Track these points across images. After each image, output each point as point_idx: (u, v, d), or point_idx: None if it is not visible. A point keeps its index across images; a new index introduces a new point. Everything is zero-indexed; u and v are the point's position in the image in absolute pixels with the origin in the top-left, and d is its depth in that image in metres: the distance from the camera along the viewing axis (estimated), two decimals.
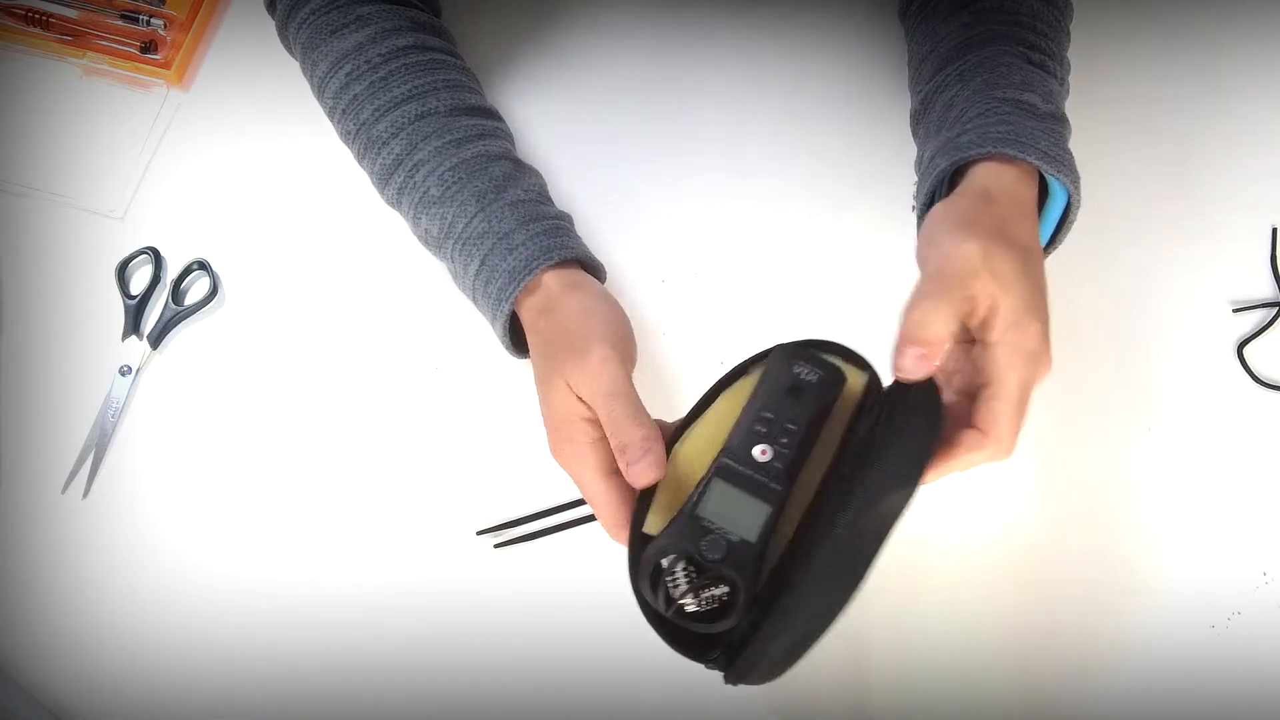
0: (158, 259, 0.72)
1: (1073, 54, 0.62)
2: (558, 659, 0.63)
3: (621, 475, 0.52)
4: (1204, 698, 0.61)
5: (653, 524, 0.49)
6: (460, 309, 0.65)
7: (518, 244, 0.57)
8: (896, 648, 0.62)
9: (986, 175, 0.53)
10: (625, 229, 0.70)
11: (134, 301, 0.70)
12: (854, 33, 0.74)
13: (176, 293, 0.71)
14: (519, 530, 0.65)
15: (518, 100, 0.74)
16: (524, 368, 0.59)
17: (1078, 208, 0.55)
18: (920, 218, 0.58)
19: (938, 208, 0.52)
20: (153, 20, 0.76)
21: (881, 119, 0.71)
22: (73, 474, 0.68)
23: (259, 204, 0.73)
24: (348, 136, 0.63)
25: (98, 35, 0.77)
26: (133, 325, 0.70)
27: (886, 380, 0.50)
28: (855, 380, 0.50)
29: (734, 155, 0.72)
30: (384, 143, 0.61)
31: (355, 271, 0.71)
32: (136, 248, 0.72)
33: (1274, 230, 0.69)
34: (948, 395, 0.51)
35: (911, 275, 0.50)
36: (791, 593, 0.45)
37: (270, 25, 0.66)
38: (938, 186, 0.56)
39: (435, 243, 0.61)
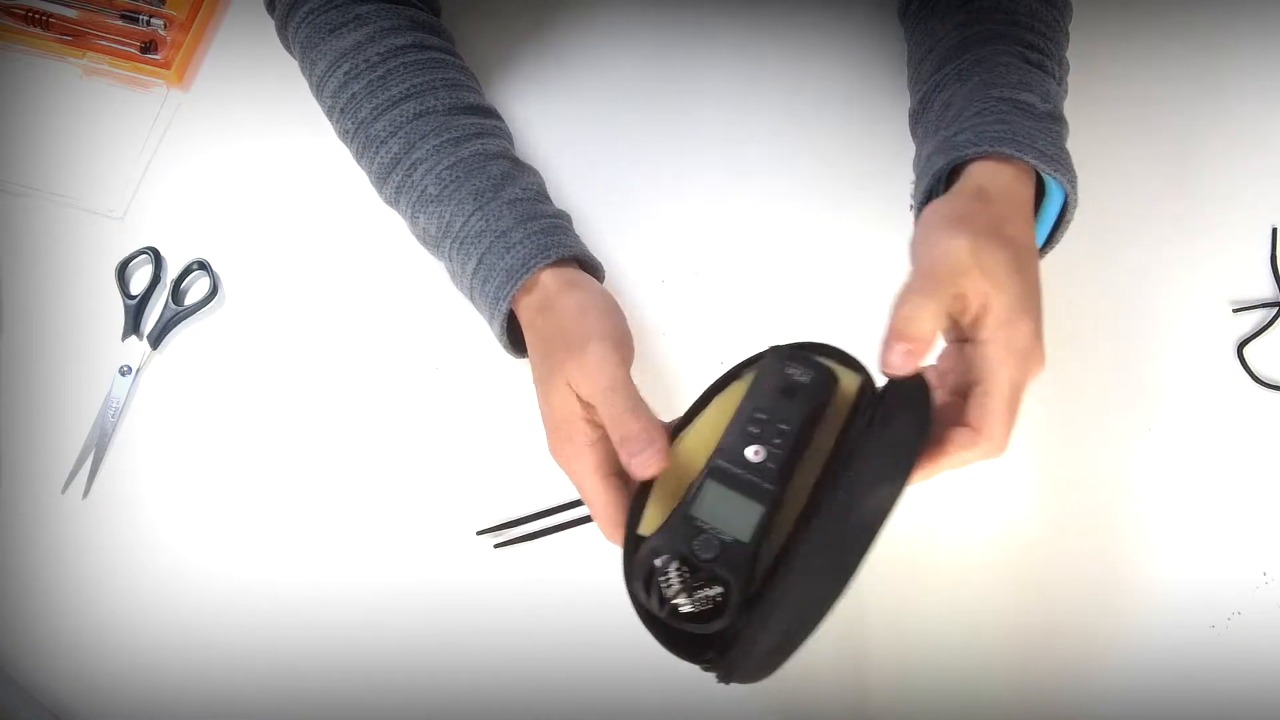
0: (158, 259, 0.72)
1: (1072, 54, 0.62)
2: (558, 659, 0.63)
3: (619, 477, 0.52)
4: (1204, 698, 0.61)
5: (647, 525, 0.50)
6: (460, 309, 0.65)
7: (515, 242, 0.57)
8: (896, 648, 0.62)
9: (983, 174, 0.53)
10: (625, 229, 0.70)
11: (134, 301, 0.70)
12: (854, 33, 0.74)
13: (176, 293, 0.71)
14: (519, 530, 0.65)
15: (518, 100, 0.74)
16: (524, 367, 0.59)
17: (1075, 207, 0.55)
18: (917, 217, 0.58)
19: (932, 205, 0.52)
20: (153, 20, 0.76)
21: (881, 119, 0.71)
22: (73, 474, 0.68)
23: (259, 204, 0.73)
24: (346, 135, 0.63)
25: (98, 35, 0.77)
26: (133, 325, 0.70)
27: (881, 382, 0.50)
28: (849, 382, 0.50)
29: (734, 155, 0.72)
30: (382, 141, 0.61)
31: (355, 271, 0.71)
32: (136, 248, 0.72)
33: (1274, 230, 0.69)
34: (942, 395, 0.51)
35: None
36: (776, 588, 0.45)
37: (270, 25, 0.66)
38: (934, 185, 0.56)
39: (433, 242, 0.61)
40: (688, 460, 0.50)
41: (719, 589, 0.46)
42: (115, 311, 0.71)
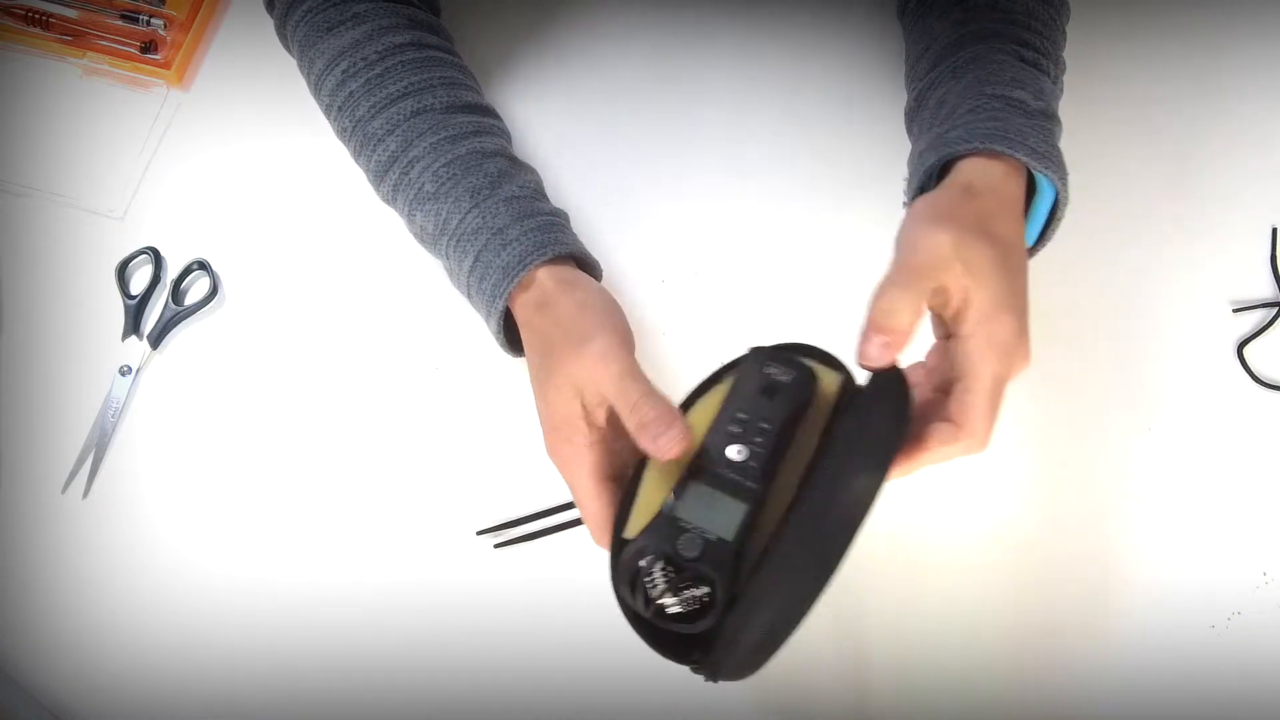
0: (158, 259, 0.72)
1: (1071, 54, 0.62)
2: (557, 659, 0.63)
3: (613, 481, 0.52)
4: (1204, 698, 0.61)
5: (633, 528, 0.50)
6: (459, 308, 0.65)
7: (511, 239, 0.57)
8: (896, 648, 0.62)
9: (972, 170, 0.53)
10: (625, 229, 0.70)
11: (134, 301, 0.70)
12: (854, 33, 0.74)
13: (176, 293, 0.71)
14: (519, 530, 0.65)
15: (518, 100, 0.74)
16: (524, 367, 0.59)
17: (1065, 205, 0.55)
18: None
19: (919, 200, 0.52)
20: (153, 20, 0.76)
21: (881, 119, 0.71)
22: (73, 474, 0.68)
23: (259, 204, 0.73)
24: (344, 133, 0.63)
25: (98, 35, 0.77)
26: (133, 325, 0.70)
27: (863, 381, 0.50)
28: (830, 381, 0.51)
29: (734, 155, 0.72)
30: (379, 139, 0.61)
31: (355, 271, 0.71)
32: (136, 248, 0.72)
33: (1274, 230, 0.69)
34: (928, 391, 0.51)
35: None
36: (758, 584, 0.45)
37: (270, 25, 0.66)
38: (926, 182, 0.56)
39: (430, 240, 0.61)
40: (671, 463, 0.50)
41: (705, 589, 0.46)
42: (115, 311, 0.71)
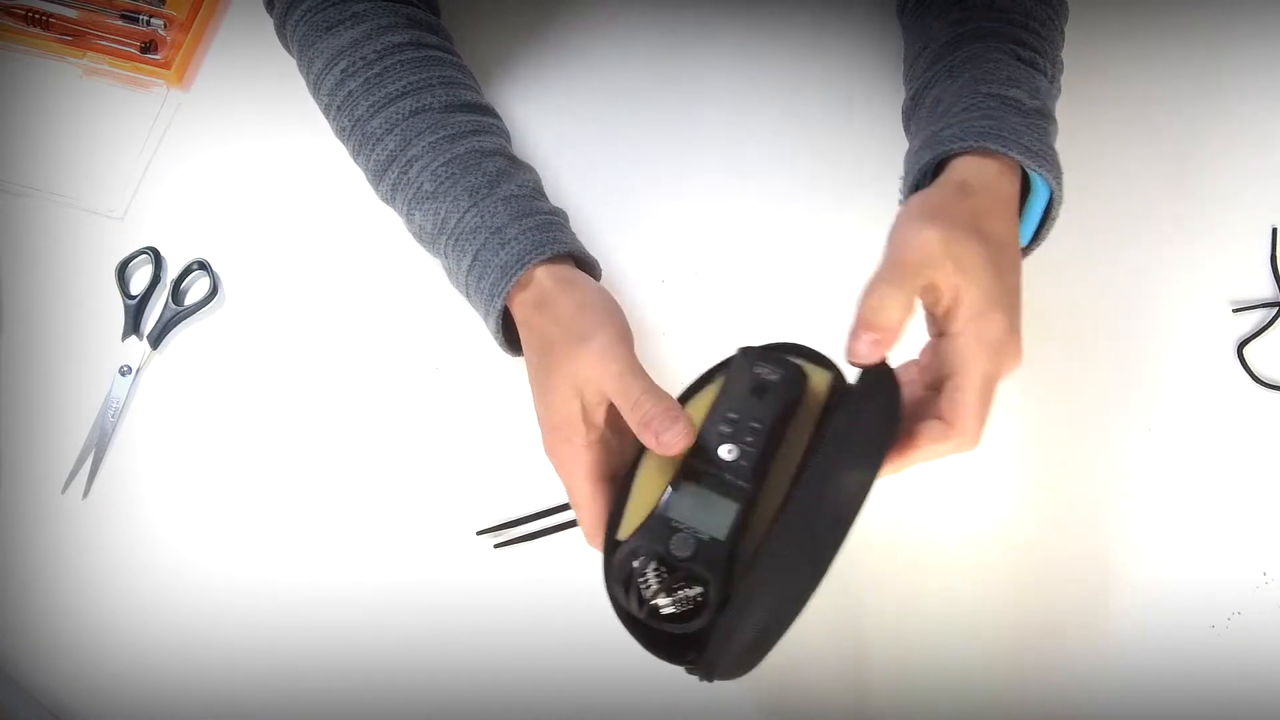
0: (158, 259, 0.72)
1: (1071, 54, 0.62)
2: (557, 659, 0.63)
3: (609, 483, 0.52)
4: (1204, 698, 0.61)
5: (626, 529, 0.50)
6: (459, 308, 0.65)
7: (510, 238, 0.57)
8: (896, 648, 0.62)
9: (966, 168, 0.53)
10: (625, 229, 0.70)
11: (134, 301, 0.70)
12: (854, 33, 0.74)
13: (176, 293, 0.71)
14: (519, 530, 0.65)
15: (518, 100, 0.74)
16: (524, 367, 0.59)
17: (1060, 203, 0.55)
18: None
19: (912, 198, 0.52)
20: (153, 20, 0.76)
21: (881, 119, 0.71)
22: (73, 474, 0.68)
23: (259, 204, 0.73)
24: (342, 133, 0.63)
25: (98, 35, 0.77)
26: (133, 325, 0.70)
27: (853, 379, 0.50)
28: (819, 380, 0.51)
29: (734, 155, 0.72)
30: (378, 139, 0.61)
31: (355, 271, 0.71)
32: (136, 248, 0.72)
33: (1274, 230, 0.69)
34: (920, 389, 0.51)
35: None
36: (750, 582, 0.45)
37: (270, 25, 0.66)
38: (921, 180, 0.56)
39: (429, 239, 0.61)
40: (663, 463, 0.50)
41: (698, 588, 0.46)
42: (115, 311, 0.71)
